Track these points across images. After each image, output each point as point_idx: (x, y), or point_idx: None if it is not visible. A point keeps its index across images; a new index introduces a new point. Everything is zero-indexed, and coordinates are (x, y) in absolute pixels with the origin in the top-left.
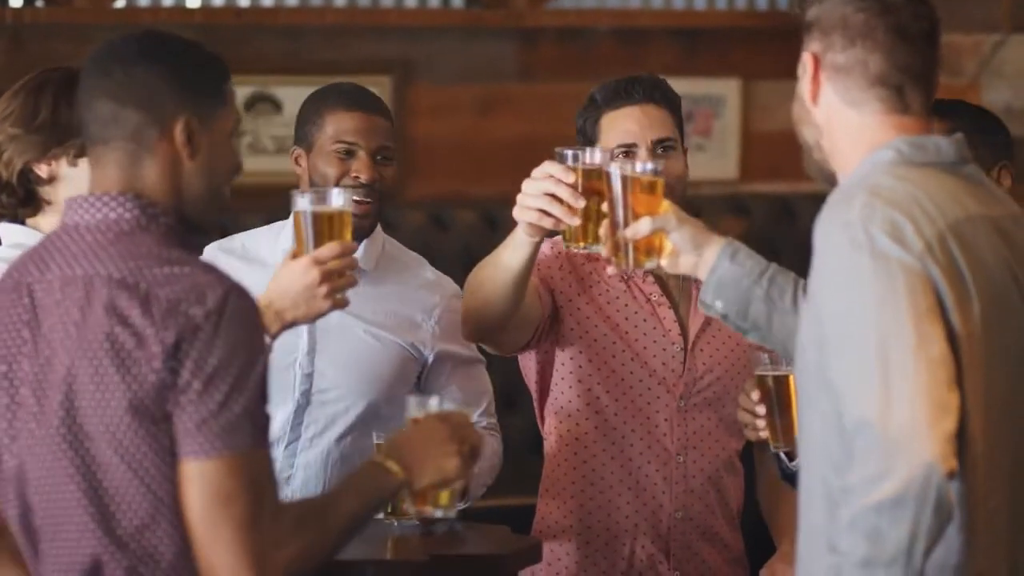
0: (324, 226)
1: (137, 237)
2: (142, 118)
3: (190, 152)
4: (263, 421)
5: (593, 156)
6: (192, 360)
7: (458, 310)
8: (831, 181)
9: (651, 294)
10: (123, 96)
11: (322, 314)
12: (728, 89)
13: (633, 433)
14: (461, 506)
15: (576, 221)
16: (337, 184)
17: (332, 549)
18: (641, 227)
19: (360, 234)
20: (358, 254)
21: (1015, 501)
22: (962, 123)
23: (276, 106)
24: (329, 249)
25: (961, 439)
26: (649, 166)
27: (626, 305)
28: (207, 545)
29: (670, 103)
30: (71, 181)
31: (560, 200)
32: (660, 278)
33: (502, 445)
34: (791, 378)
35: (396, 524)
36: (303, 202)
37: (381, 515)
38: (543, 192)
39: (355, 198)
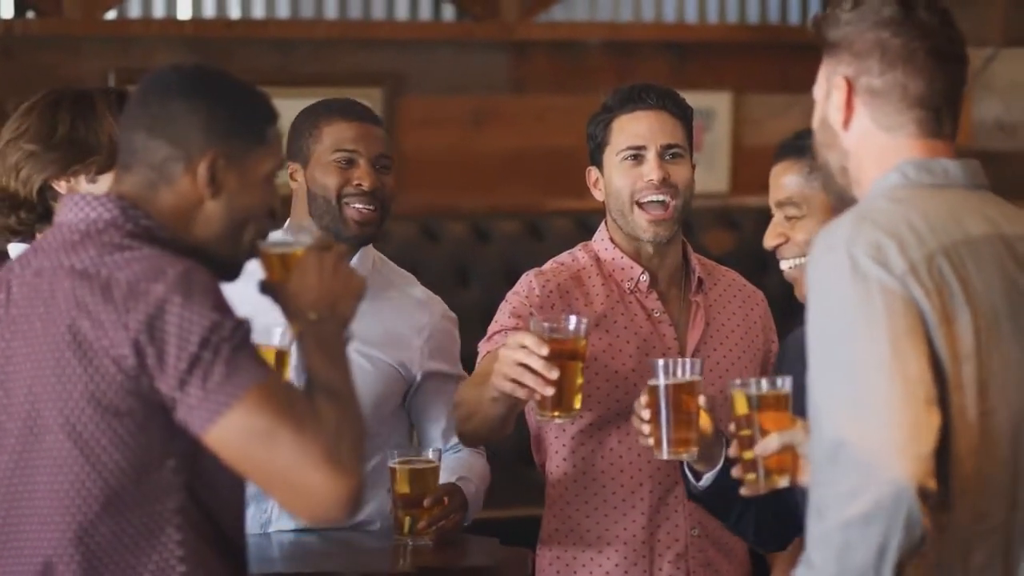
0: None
1: (107, 233)
2: (169, 151)
3: (212, 191)
4: (254, 352)
5: (567, 325)
6: (172, 335)
7: (446, 330)
8: (852, 206)
9: (653, 310)
10: (155, 128)
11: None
12: (719, 102)
13: (640, 457)
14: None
15: (549, 391)
16: (339, 194)
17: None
18: (770, 444)
19: (363, 240)
20: None
21: (1013, 520)
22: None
23: None
24: None
25: (946, 460)
26: (779, 382)
27: (625, 328)
28: (283, 483)
29: (682, 113)
30: None
31: (534, 371)
32: (663, 293)
33: (486, 461)
34: (673, 387)
35: (410, 543)
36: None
37: (395, 535)
38: (517, 363)
39: (358, 206)
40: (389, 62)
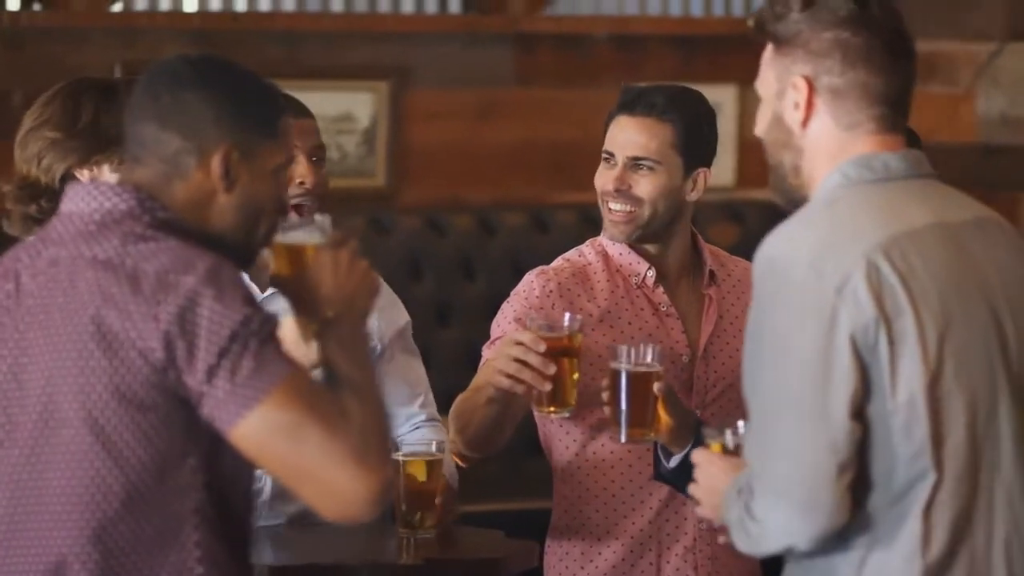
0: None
1: (125, 223)
2: (181, 144)
3: (226, 184)
4: (280, 346)
5: (563, 322)
6: (203, 328)
7: (389, 297)
8: (800, 205)
9: (660, 304)
10: (166, 119)
11: None
12: (724, 96)
13: (648, 452)
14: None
15: (547, 387)
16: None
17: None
18: None
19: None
20: None
21: (976, 508)
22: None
23: None
24: None
25: (895, 452)
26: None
27: (629, 323)
28: (310, 481)
29: (680, 120)
30: None
31: (531, 367)
32: (672, 288)
33: (445, 435)
34: (632, 374)
35: (413, 538)
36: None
37: (400, 528)
38: (514, 358)
39: (294, 203)
40: (395, 55)
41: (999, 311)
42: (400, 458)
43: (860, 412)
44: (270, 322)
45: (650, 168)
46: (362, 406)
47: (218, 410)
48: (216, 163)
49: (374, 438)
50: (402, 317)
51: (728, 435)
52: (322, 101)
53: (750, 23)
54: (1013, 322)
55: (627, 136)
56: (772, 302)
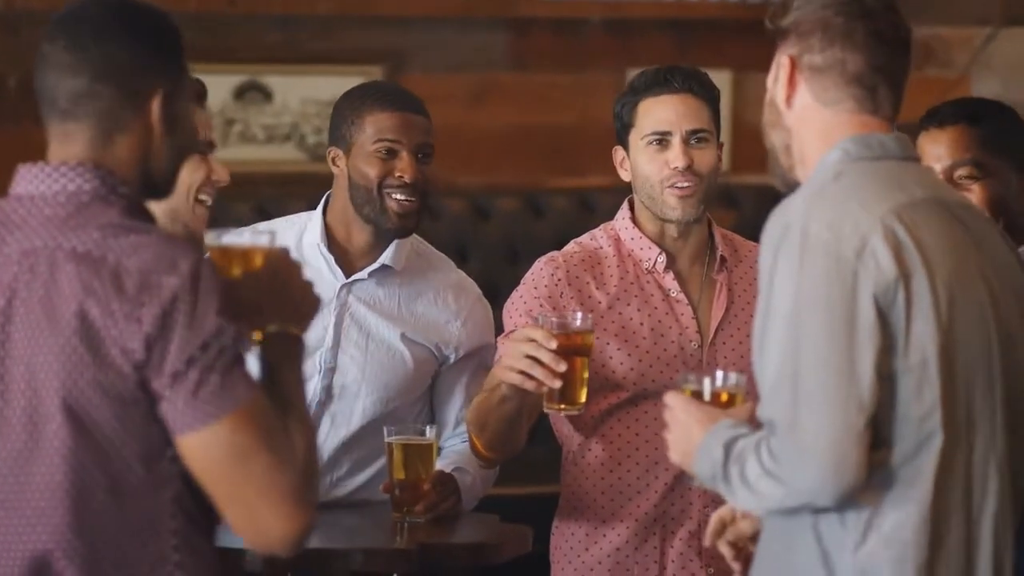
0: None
1: (96, 208)
2: (117, 95)
3: (166, 127)
4: (246, 368)
5: (574, 321)
6: (177, 333)
7: (483, 313)
8: (794, 188)
9: (670, 290)
10: (98, 71)
11: None
12: (719, 81)
13: (656, 436)
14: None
15: (557, 384)
16: (380, 185)
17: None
18: None
19: (403, 232)
20: (387, 254)
21: (971, 464)
22: (995, 124)
23: (267, 95)
24: None
25: (895, 411)
26: (732, 379)
27: (638, 310)
28: (244, 507)
29: (708, 95)
30: None
31: (542, 364)
32: (680, 273)
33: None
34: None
35: (406, 522)
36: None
37: (393, 513)
38: (525, 355)
39: (398, 197)
40: (390, 39)
41: (992, 285)
42: (392, 441)
43: (880, 371)
44: (240, 338)
45: (706, 140)
46: (305, 441)
47: (173, 416)
48: (156, 107)
49: (311, 477)
50: (488, 338)
51: (706, 383)
52: (317, 85)
53: (767, 23)
54: (1003, 298)
55: (679, 111)
56: (789, 268)
